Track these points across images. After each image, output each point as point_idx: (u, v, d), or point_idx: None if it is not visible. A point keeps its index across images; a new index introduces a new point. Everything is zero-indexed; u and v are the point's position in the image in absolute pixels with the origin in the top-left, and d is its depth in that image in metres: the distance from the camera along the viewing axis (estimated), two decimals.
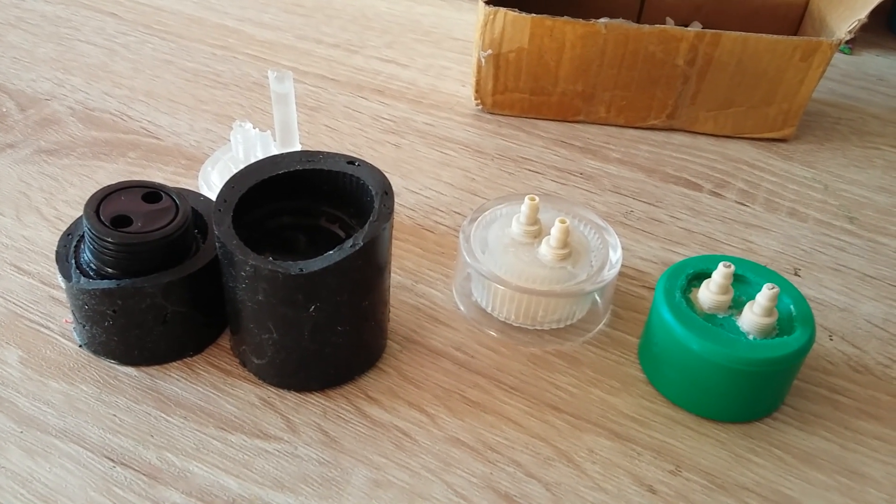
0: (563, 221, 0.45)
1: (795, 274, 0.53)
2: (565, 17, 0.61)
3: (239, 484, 0.38)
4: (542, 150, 0.64)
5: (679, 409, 0.43)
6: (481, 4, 0.62)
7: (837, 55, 0.80)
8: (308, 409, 0.42)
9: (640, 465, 0.41)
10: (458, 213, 0.56)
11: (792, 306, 0.43)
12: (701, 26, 0.74)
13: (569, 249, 0.46)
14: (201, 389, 0.43)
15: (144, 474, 0.38)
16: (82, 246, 0.42)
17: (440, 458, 0.40)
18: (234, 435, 0.41)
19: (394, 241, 0.51)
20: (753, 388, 0.41)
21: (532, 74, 0.65)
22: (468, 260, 0.46)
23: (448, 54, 0.76)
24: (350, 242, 0.38)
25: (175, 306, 0.42)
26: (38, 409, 0.41)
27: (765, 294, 0.41)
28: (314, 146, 0.62)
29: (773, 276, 0.44)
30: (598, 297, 0.48)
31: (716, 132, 0.67)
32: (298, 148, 0.52)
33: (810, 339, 0.41)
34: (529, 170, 0.61)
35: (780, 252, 0.55)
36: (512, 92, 0.66)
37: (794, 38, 0.61)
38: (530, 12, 0.61)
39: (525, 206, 0.47)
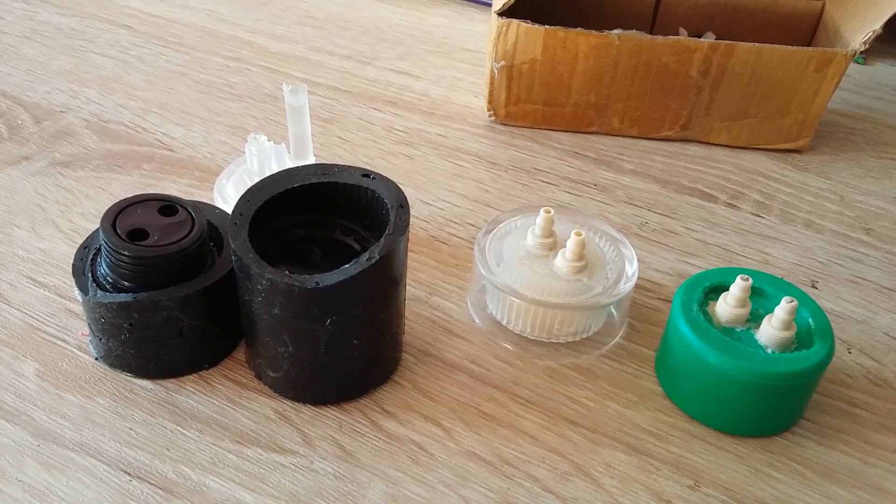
0: (578, 234, 0.45)
1: (813, 286, 0.53)
2: (578, 28, 0.61)
3: (255, 498, 0.38)
4: (556, 161, 0.64)
5: (697, 423, 0.43)
6: (494, 16, 0.62)
7: (851, 65, 0.80)
8: (324, 422, 0.42)
9: (659, 479, 0.40)
10: (472, 225, 0.56)
11: (810, 319, 0.42)
12: (714, 37, 0.74)
13: (584, 262, 0.46)
14: (217, 403, 0.43)
15: (161, 488, 0.38)
16: (99, 259, 0.43)
17: (457, 472, 0.40)
18: (250, 449, 0.40)
19: (408, 253, 0.51)
20: (772, 402, 0.41)
21: (545, 85, 0.64)
22: (483, 272, 0.46)
23: (460, 65, 0.77)
24: (366, 256, 0.38)
25: (191, 319, 0.42)
26: (55, 423, 0.41)
27: (783, 307, 0.40)
28: (328, 158, 0.62)
29: (790, 289, 0.44)
30: (613, 310, 0.48)
31: (730, 143, 0.66)
32: (312, 160, 0.53)
33: (829, 353, 0.41)
34: (543, 181, 0.61)
35: (796, 264, 0.55)
36: (525, 103, 0.66)
37: (809, 48, 0.61)
38: (543, 24, 0.61)
39: (540, 219, 0.46)
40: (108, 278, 0.41)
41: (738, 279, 0.42)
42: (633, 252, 0.48)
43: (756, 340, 0.42)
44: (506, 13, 0.62)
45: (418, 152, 0.64)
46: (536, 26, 0.61)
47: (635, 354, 0.47)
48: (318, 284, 0.37)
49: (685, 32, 0.75)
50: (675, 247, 0.55)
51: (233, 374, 0.44)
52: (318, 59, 0.76)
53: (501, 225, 0.50)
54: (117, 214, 0.42)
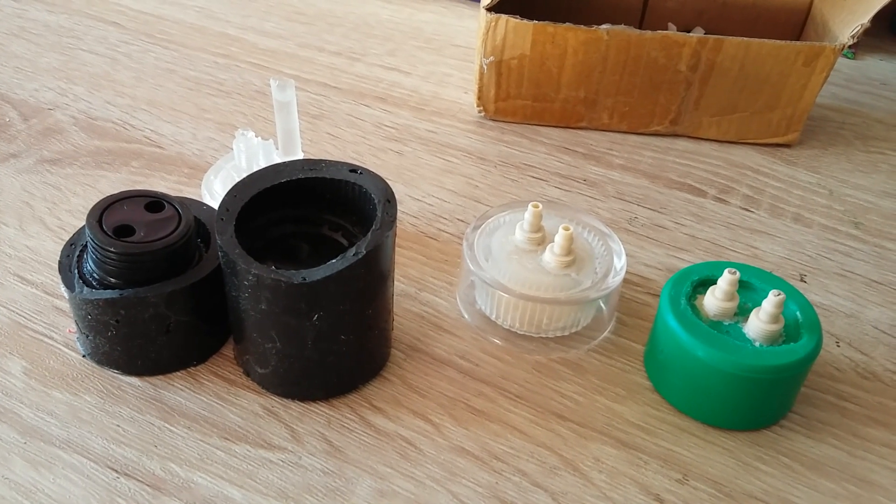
0: (566, 228, 0.45)
1: (801, 280, 0.53)
2: (567, 23, 0.61)
3: (243, 494, 0.38)
4: (545, 156, 0.64)
5: (685, 417, 0.43)
6: (483, 11, 0.62)
7: (841, 59, 0.80)
8: (312, 418, 0.42)
9: (647, 473, 0.40)
10: (462, 221, 0.56)
11: (798, 313, 0.42)
12: (703, 32, 0.74)
13: (573, 257, 0.46)
14: (205, 399, 0.42)
15: (148, 485, 0.38)
16: (85, 256, 0.42)
17: (445, 467, 0.40)
18: (238, 445, 0.40)
19: (397, 248, 0.51)
20: (760, 396, 0.41)
21: (534, 81, 0.64)
22: (472, 268, 0.46)
23: (450, 61, 0.76)
24: (353, 251, 0.38)
25: (178, 316, 0.42)
26: (42, 420, 0.41)
27: (771, 301, 0.40)
28: (317, 154, 0.62)
29: (778, 283, 0.44)
30: (602, 305, 0.48)
31: (719, 138, 0.66)
32: (301, 156, 0.52)
33: (817, 346, 0.41)
34: (532, 176, 0.61)
35: (785, 258, 0.55)
36: (514, 99, 0.66)
37: (797, 43, 0.61)
38: (532, 19, 0.61)
39: (528, 214, 0.46)
40: (95, 275, 0.41)
41: (726, 273, 0.42)
42: (622, 246, 0.48)
43: (744, 334, 0.42)
44: (494, 8, 0.62)
45: (408, 148, 0.64)
46: (525, 22, 0.61)
47: (624, 349, 0.47)
48: (304, 280, 0.37)
49: (674, 27, 0.75)
50: (665, 241, 0.56)
51: (221, 370, 0.44)
52: (308, 55, 0.76)
53: (490, 220, 0.49)
54: (104, 211, 0.41)
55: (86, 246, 0.43)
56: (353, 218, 0.44)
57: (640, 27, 0.75)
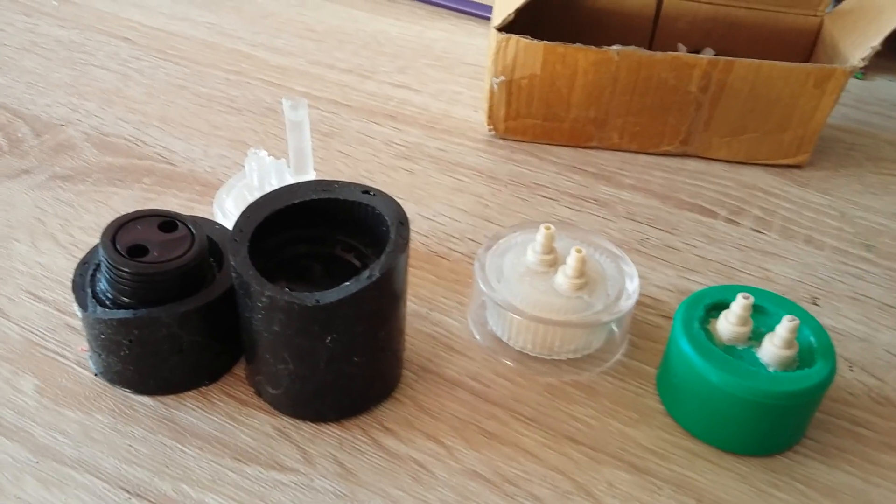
0: (579, 251, 0.45)
1: (814, 303, 0.52)
2: (578, 44, 0.61)
3: None
4: (556, 175, 0.64)
5: (699, 442, 0.43)
6: (493, 31, 0.62)
7: (850, 80, 0.80)
8: (324, 439, 0.42)
9: (661, 499, 0.40)
10: (472, 240, 0.56)
11: (812, 338, 0.42)
12: (713, 53, 0.74)
13: (585, 279, 0.46)
14: (217, 419, 0.42)
15: None
16: (98, 275, 0.42)
17: (457, 491, 0.40)
18: (250, 466, 0.40)
19: (408, 268, 0.51)
20: (775, 422, 0.41)
21: (544, 101, 0.65)
22: (483, 288, 0.46)
23: (460, 79, 0.77)
24: (366, 273, 0.38)
25: (191, 336, 0.42)
26: (54, 439, 0.41)
27: (785, 326, 0.40)
28: (328, 172, 0.62)
29: (792, 307, 0.44)
30: (615, 327, 0.48)
31: (729, 158, 0.66)
32: (313, 175, 0.52)
33: (832, 372, 0.41)
34: (543, 196, 0.61)
35: (797, 280, 0.54)
36: (524, 118, 0.66)
37: (808, 65, 0.61)
38: (542, 39, 0.61)
39: (540, 235, 0.46)
40: (108, 294, 0.41)
41: (740, 297, 0.42)
42: (634, 269, 0.48)
43: (758, 359, 0.41)
44: (505, 29, 0.62)
45: (418, 166, 0.64)
46: (536, 42, 0.61)
47: (637, 372, 0.47)
48: (318, 302, 0.37)
49: (684, 48, 0.75)
50: (676, 263, 0.55)
51: (233, 390, 0.44)
52: (318, 72, 0.76)
53: (502, 241, 0.49)
54: (117, 230, 0.42)
55: (99, 265, 0.43)
56: (366, 239, 0.44)
57: (650, 47, 0.76)
